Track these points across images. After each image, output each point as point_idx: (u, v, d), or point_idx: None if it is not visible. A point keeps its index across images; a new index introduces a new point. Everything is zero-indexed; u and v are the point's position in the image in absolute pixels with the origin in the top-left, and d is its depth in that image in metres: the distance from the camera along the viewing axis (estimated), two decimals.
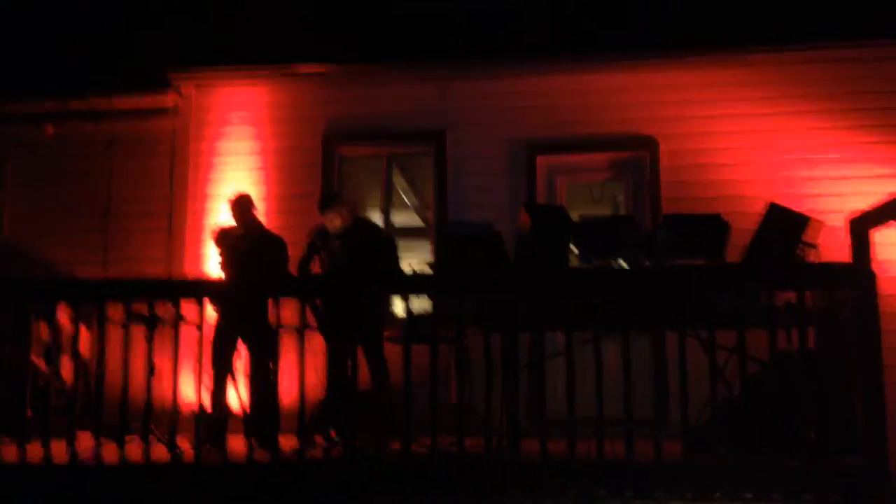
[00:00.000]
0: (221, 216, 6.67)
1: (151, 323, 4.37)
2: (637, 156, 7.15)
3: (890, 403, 3.98)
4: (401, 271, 5.09)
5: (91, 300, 4.43)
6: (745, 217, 5.38)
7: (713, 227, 4.80)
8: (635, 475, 4.07)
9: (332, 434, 4.89)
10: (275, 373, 4.62)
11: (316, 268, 5.65)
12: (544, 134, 7.20)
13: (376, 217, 7.30)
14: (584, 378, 4.18)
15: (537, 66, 7.26)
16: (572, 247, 4.92)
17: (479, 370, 4.35)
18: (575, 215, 5.09)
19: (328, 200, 5.91)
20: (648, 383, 6.16)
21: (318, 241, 5.60)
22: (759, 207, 5.11)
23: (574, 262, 4.97)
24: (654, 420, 4.55)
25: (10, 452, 4.25)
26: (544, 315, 4.33)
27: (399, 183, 8.28)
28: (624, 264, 4.90)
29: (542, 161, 7.26)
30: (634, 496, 4.05)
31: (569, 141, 7.18)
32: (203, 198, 7.43)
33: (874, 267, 4.11)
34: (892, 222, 3.98)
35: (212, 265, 6.96)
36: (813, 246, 4.82)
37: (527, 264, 4.67)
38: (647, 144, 7.07)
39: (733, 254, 4.94)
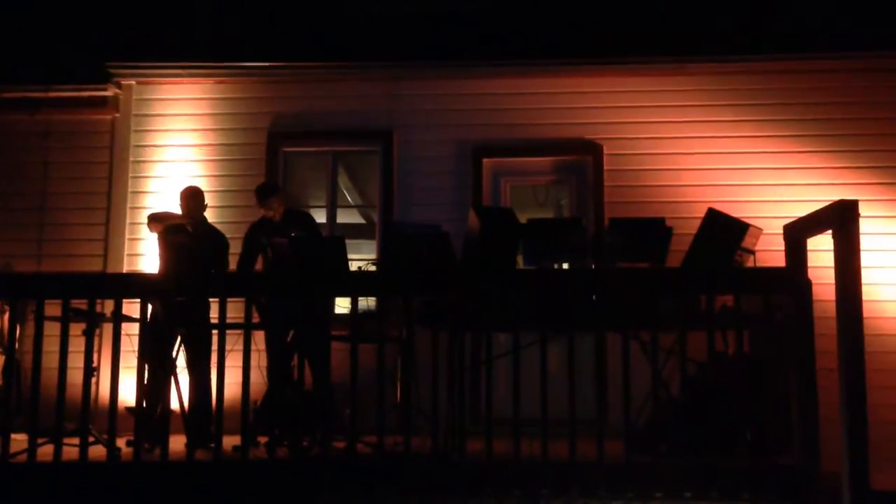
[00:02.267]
0: (160, 209, 6.55)
1: (91, 320, 4.26)
2: (581, 160, 7.26)
3: (822, 405, 4.12)
4: (349, 271, 5.07)
5: (30, 296, 4.29)
6: (686, 222, 5.52)
7: (656, 231, 4.90)
8: (579, 475, 4.12)
9: (277, 433, 4.84)
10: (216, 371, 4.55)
11: (257, 265, 5.61)
12: (490, 136, 7.28)
13: (321, 215, 7.25)
14: (529, 379, 4.23)
15: (483, 68, 7.32)
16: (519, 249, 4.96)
17: (425, 370, 4.37)
18: (521, 218, 5.13)
19: (270, 189, 5.91)
20: (591, 384, 6.26)
21: (263, 238, 5.55)
22: (700, 213, 5.24)
23: (520, 264, 5.02)
24: (596, 420, 4.62)
25: None
26: (492, 316, 4.36)
27: (343, 181, 8.25)
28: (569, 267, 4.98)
29: (488, 163, 7.32)
30: (578, 495, 4.11)
31: (514, 144, 7.26)
32: (143, 192, 7.28)
33: (809, 274, 4.26)
34: (826, 230, 4.11)
35: (150, 260, 6.84)
36: (751, 252, 4.96)
37: (475, 265, 4.70)
38: (591, 149, 7.19)
39: (675, 258, 5.06)
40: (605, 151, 7.16)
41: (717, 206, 5.24)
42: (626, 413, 4.16)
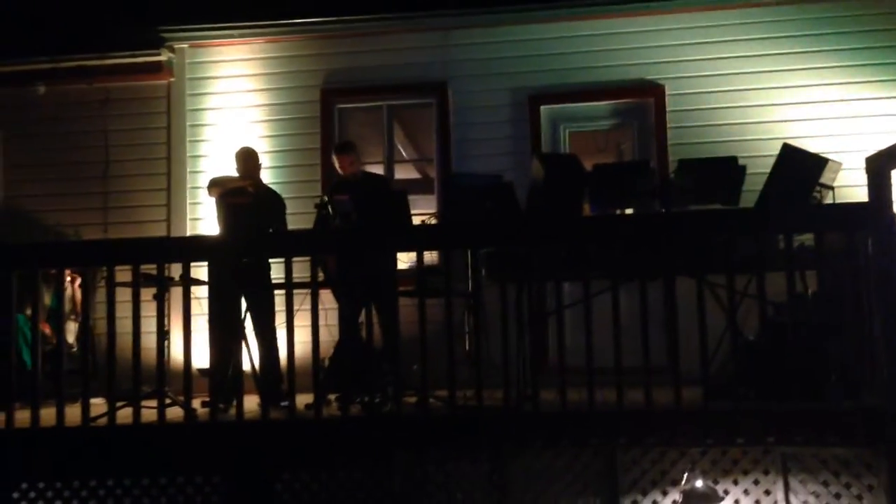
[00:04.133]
0: (219, 174, 6.56)
1: (161, 284, 4.29)
2: (642, 102, 7.06)
3: None
4: (414, 225, 5.01)
5: (101, 263, 4.33)
6: (758, 160, 5.34)
7: (728, 170, 4.71)
8: (655, 423, 4.04)
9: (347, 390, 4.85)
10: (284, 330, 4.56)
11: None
12: (547, 82, 7.11)
13: (377, 170, 7.19)
14: (597, 328, 4.14)
15: (538, 13, 7.11)
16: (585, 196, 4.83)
17: (493, 322, 4.31)
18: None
19: (347, 146, 5.89)
20: (659, 331, 6.13)
21: (325, 198, 5.51)
22: (771, 150, 5.03)
23: (587, 211, 4.90)
24: (669, 367, 4.52)
25: (23, 417, 4.20)
26: (560, 265, 4.27)
27: (398, 136, 8.16)
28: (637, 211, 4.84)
29: (545, 110, 7.17)
30: (655, 444, 4.03)
31: (572, 89, 7.08)
32: (201, 156, 7.31)
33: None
34: None
35: (211, 223, 6.88)
36: (830, 187, 4.75)
37: (540, 214, 4.59)
38: (652, 90, 6.97)
39: (747, 198, 4.87)
40: (667, 92, 6.93)
41: (791, 142, 5.03)
42: (704, 358, 4.05)
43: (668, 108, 6.91)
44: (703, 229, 4.28)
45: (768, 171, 4.80)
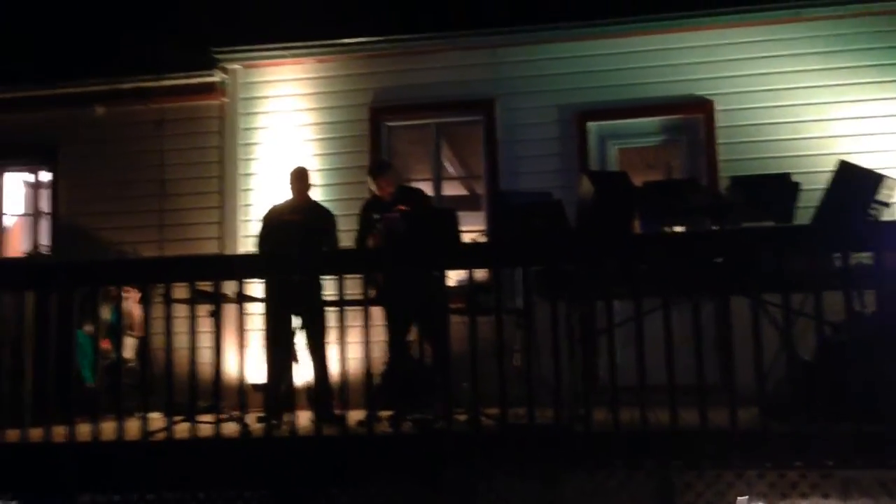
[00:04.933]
0: (270, 192, 6.68)
1: (217, 301, 4.37)
2: (691, 118, 7.02)
3: None
4: (464, 243, 5.03)
5: (159, 280, 4.43)
6: (810, 176, 5.26)
7: (782, 187, 4.65)
8: (711, 444, 3.98)
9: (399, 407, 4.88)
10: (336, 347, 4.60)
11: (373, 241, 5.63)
12: (594, 99, 7.11)
13: (425, 187, 7.23)
14: (648, 346, 4.10)
15: (585, 30, 7.12)
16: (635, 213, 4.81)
17: (543, 340, 4.30)
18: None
19: (382, 166, 5.91)
20: (711, 350, 6.06)
21: (373, 213, 5.56)
22: (824, 165, 4.96)
23: (637, 228, 4.87)
24: (722, 387, 4.46)
25: (84, 430, 4.29)
26: (611, 283, 4.25)
27: (445, 153, 8.21)
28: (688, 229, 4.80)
29: (593, 127, 7.17)
30: (711, 465, 3.97)
31: (619, 105, 7.07)
32: (252, 174, 7.44)
33: None
34: None
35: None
36: (886, 205, 4.65)
37: (591, 231, 4.58)
38: (701, 106, 6.93)
39: (802, 215, 4.80)
40: (717, 107, 6.89)
41: (845, 158, 4.94)
42: (760, 378, 3.99)
43: (717, 124, 6.86)
44: (756, 247, 4.23)
45: (823, 187, 4.72)
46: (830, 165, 4.83)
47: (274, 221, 5.90)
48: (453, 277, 5.97)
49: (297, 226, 5.82)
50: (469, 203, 8.31)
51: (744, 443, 3.96)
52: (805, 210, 4.75)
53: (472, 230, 7.07)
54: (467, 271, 4.34)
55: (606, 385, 4.16)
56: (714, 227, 4.76)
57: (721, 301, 5.60)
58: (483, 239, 5.98)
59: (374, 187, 5.85)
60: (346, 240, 6.11)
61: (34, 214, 8.03)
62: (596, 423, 4.16)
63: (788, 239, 4.22)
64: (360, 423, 4.56)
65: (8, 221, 8.15)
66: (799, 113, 6.69)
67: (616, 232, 4.49)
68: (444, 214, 5.57)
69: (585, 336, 4.41)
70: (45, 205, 7.88)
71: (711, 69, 6.94)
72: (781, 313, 4.11)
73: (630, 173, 5.19)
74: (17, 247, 8.17)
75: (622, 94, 7.04)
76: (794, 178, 4.86)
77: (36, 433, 4.24)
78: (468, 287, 4.33)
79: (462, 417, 4.82)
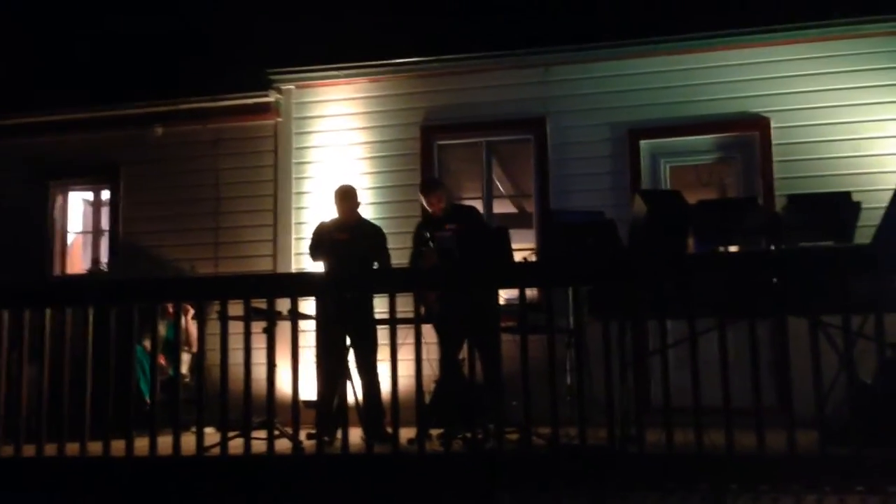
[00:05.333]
0: (323, 209, 6.76)
1: (271, 318, 4.43)
2: (746, 135, 6.92)
3: None
4: (516, 262, 5.03)
5: (215, 297, 4.51)
6: (871, 195, 5.16)
7: (842, 206, 4.55)
8: (768, 468, 3.89)
9: (450, 426, 4.88)
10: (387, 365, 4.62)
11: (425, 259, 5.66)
12: (646, 117, 7.08)
13: (476, 205, 7.25)
14: (702, 368, 4.04)
15: (636, 48, 7.09)
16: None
17: (596, 360, 4.27)
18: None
19: (431, 183, 5.95)
20: (767, 371, 5.94)
21: (425, 231, 5.59)
22: (885, 183, 4.85)
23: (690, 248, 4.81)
24: (779, 409, 4.36)
25: (140, 445, 4.38)
26: (664, 303, 4.19)
27: (495, 171, 8.22)
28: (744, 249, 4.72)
29: (645, 145, 7.12)
30: (769, 490, 3.88)
31: (672, 123, 7.02)
32: (305, 193, 7.55)
33: None
34: None
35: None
36: None
37: (643, 251, 4.54)
38: (757, 123, 6.83)
39: (862, 234, 4.69)
40: (773, 125, 6.78)
41: None
42: (819, 402, 3.89)
43: (773, 142, 6.75)
44: (814, 267, 4.14)
45: (883, 205, 4.62)
46: (891, 183, 4.73)
47: (324, 239, 5.96)
48: (504, 296, 5.95)
49: (346, 244, 5.88)
50: (519, 221, 8.30)
51: (802, 466, 3.87)
52: (865, 229, 4.65)
53: (522, 248, 7.07)
54: (517, 290, 4.31)
55: (658, 406, 4.11)
56: (770, 247, 4.68)
57: (778, 322, 5.51)
58: (533, 258, 5.94)
59: (425, 204, 5.91)
60: (397, 257, 6.16)
61: (94, 232, 8.26)
62: (649, 445, 4.11)
63: (849, 259, 4.12)
64: (411, 441, 4.57)
65: (69, 238, 8.39)
66: (858, 130, 6.55)
67: (671, 251, 4.43)
68: (495, 232, 5.57)
69: (638, 356, 4.36)
70: (104, 222, 8.09)
71: (767, 86, 6.84)
72: (841, 334, 4.02)
73: (683, 192, 5.15)
74: (78, 263, 8.40)
75: (675, 112, 6.99)
76: (855, 198, 4.76)
77: (94, 447, 4.33)
78: (519, 306, 4.31)
79: (513, 437, 4.81)
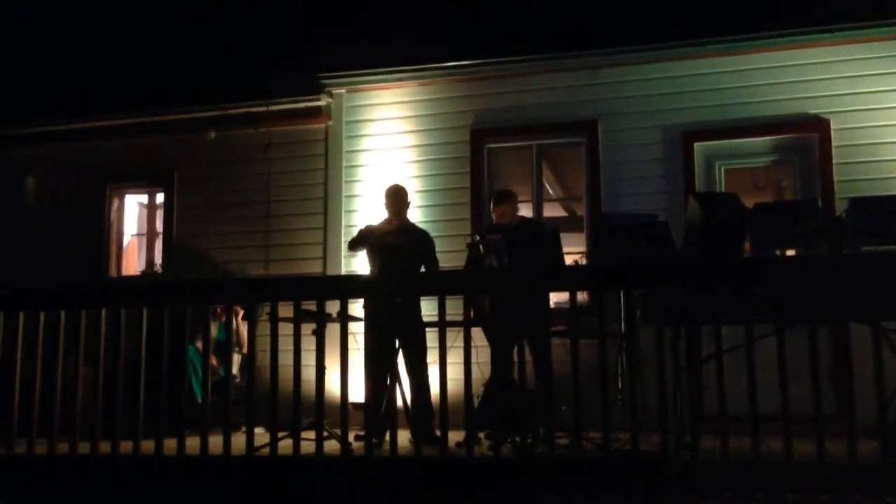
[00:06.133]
0: (373, 212, 6.76)
1: (321, 320, 4.44)
2: (805, 137, 6.75)
3: None
4: (568, 265, 4.97)
5: (266, 299, 4.54)
6: None
7: None
8: (828, 477, 3.77)
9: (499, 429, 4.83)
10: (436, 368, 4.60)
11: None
12: (700, 119, 6.95)
13: (526, 209, 7.21)
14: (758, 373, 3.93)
15: (691, 49, 6.97)
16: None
17: (648, 365, 4.19)
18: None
19: (501, 196, 5.96)
20: (825, 378, 5.77)
21: (478, 237, 5.56)
22: None
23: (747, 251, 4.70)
24: (838, 418, 4.23)
25: (192, 444, 4.42)
26: (720, 308, 4.09)
27: (545, 174, 8.16)
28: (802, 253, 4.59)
29: (699, 147, 6.99)
30: (828, 501, 3.76)
31: (727, 125, 6.88)
32: (355, 196, 7.58)
33: None
34: None
35: (362, 261, 7.09)
36: None
37: (698, 255, 4.44)
38: (816, 125, 6.66)
39: None
40: (833, 126, 6.60)
41: None
42: (882, 411, 3.76)
43: (833, 144, 6.57)
44: (878, 272, 4.00)
45: None
46: None
47: (373, 242, 5.97)
48: (554, 299, 5.89)
49: (397, 248, 5.88)
50: (569, 224, 8.21)
51: (863, 477, 3.74)
52: None
53: (572, 252, 6.99)
54: (570, 294, 4.25)
55: (711, 413, 4.01)
56: (830, 251, 4.54)
57: (839, 328, 5.36)
58: (584, 261, 5.87)
59: (493, 215, 5.91)
60: (444, 260, 6.13)
61: (148, 234, 8.42)
62: (703, 452, 4.02)
63: None
64: (459, 444, 4.54)
65: (125, 241, 8.55)
66: None
67: (727, 255, 4.33)
68: (548, 235, 5.52)
69: (692, 362, 4.26)
70: (159, 225, 8.24)
71: (827, 87, 6.67)
72: None
73: (739, 194, 5.03)
74: (133, 265, 8.56)
75: (730, 114, 6.86)
76: None
77: (147, 445, 4.39)
78: (570, 309, 4.25)
79: (563, 441, 4.74)
